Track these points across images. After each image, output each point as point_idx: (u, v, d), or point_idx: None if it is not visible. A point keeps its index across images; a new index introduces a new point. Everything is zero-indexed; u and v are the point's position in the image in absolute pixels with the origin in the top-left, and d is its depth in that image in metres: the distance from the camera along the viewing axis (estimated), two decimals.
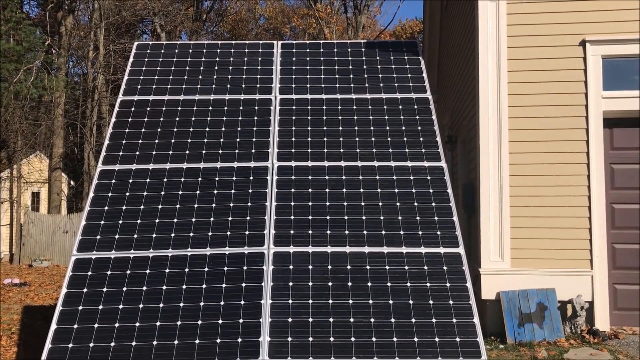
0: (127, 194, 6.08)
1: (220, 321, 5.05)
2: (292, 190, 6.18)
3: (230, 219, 5.89)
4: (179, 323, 5.05)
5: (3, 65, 19.81)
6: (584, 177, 6.69)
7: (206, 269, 5.45)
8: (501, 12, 6.92)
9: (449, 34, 10.83)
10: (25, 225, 20.43)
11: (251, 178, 6.28)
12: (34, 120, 25.56)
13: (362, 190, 6.19)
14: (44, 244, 20.31)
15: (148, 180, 6.21)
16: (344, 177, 6.30)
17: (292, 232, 5.80)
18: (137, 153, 6.47)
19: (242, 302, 5.19)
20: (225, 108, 6.98)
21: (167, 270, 5.45)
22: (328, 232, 5.82)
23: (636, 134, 6.86)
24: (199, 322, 5.05)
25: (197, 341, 4.92)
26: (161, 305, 5.19)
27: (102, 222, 5.84)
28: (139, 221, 5.84)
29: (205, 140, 6.62)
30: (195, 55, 7.69)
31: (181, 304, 5.19)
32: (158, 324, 5.05)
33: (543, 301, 6.38)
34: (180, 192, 6.10)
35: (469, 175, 8.24)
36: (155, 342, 4.92)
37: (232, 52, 7.76)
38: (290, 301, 5.24)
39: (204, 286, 5.32)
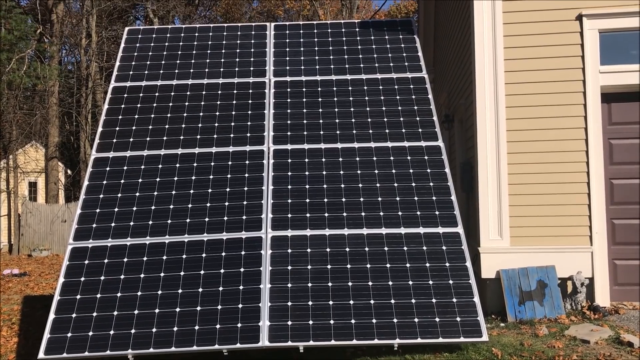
0: (122, 181, 6.03)
1: (219, 307, 5.03)
2: (289, 173, 6.13)
3: (227, 204, 5.84)
4: (177, 310, 5.02)
5: None
6: (583, 153, 6.64)
7: (204, 255, 5.42)
8: None
9: (444, 11, 10.70)
10: (23, 216, 20.38)
11: (247, 162, 6.22)
12: (28, 110, 25.39)
13: (359, 171, 6.14)
14: (42, 233, 20.28)
15: (143, 167, 6.15)
16: (340, 159, 6.25)
17: (289, 215, 5.76)
18: (131, 140, 6.40)
19: (241, 287, 5.17)
20: (219, 92, 6.90)
21: (164, 257, 5.41)
22: (326, 214, 5.78)
23: (634, 108, 6.79)
24: (198, 308, 5.03)
25: (196, 327, 4.90)
26: (159, 292, 5.16)
27: (98, 210, 5.79)
28: (134, 208, 5.79)
29: (200, 125, 6.55)
30: (187, 39, 7.59)
31: (180, 291, 5.16)
32: (157, 311, 5.03)
33: (543, 279, 6.36)
34: (175, 178, 6.05)
35: (467, 153, 8.19)
36: (154, 330, 4.90)
37: (225, 35, 7.66)
38: (289, 285, 5.21)
39: (202, 272, 5.29)
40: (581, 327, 5.76)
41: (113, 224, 5.67)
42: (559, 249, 6.54)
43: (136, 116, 6.63)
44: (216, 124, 6.56)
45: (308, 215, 5.77)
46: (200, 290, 5.16)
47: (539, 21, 6.79)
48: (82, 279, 5.28)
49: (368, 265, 5.38)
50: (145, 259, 5.40)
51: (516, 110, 6.75)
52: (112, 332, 4.90)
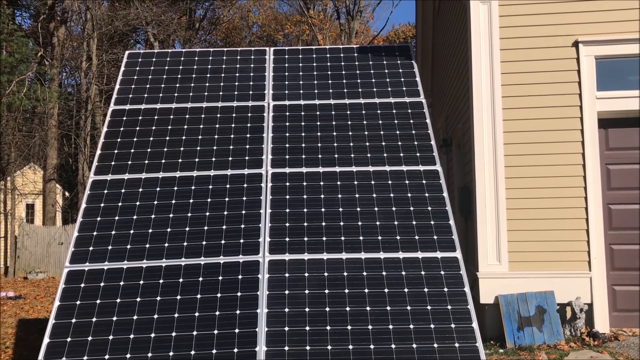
0: (120, 204, 6.01)
1: (215, 331, 4.98)
2: (287, 196, 6.12)
3: (224, 227, 5.82)
4: (174, 334, 4.97)
5: None
6: (580, 178, 6.65)
7: (200, 279, 5.38)
8: (493, 14, 6.90)
9: (441, 37, 10.81)
10: (20, 238, 20.29)
11: (245, 185, 6.22)
12: (27, 132, 25.44)
13: (357, 195, 6.13)
14: (39, 255, 20.16)
15: (140, 189, 6.14)
16: (338, 183, 6.25)
17: (287, 239, 5.74)
18: (130, 162, 6.40)
19: (238, 312, 5.12)
20: (218, 115, 6.93)
21: (161, 281, 5.37)
22: (324, 238, 5.75)
23: (631, 134, 6.83)
24: (194, 332, 4.98)
25: (192, 352, 4.84)
26: (155, 316, 5.11)
27: (95, 233, 5.76)
28: (132, 231, 5.77)
29: (198, 148, 6.56)
30: (187, 63, 7.64)
31: (176, 315, 5.11)
32: (153, 335, 4.97)
33: (542, 304, 6.32)
34: (173, 201, 6.04)
35: (465, 178, 8.20)
36: (150, 354, 4.84)
37: (224, 59, 7.71)
38: (286, 310, 5.17)
39: (198, 296, 5.25)
40: (581, 353, 5.71)
41: (110, 247, 5.64)
42: (558, 274, 6.52)
43: (135, 139, 6.64)
44: (215, 147, 6.57)
45: (306, 239, 5.75)
46: (197, 314, 5.11)
47: (535, 47, 6.86)
48: (78, 302, 5.24)
49: (366, 290, 5.34)
50: (141, 282, 5.36)
51: (514, 135, 6.78)
52: (107, 356, 4.84)
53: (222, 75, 7.46)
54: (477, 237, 6.72)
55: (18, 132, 23.28)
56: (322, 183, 6.25)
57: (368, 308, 5.20)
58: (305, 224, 5.87)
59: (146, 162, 6.41)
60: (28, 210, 24.89)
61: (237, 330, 4.98)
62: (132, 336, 4.97)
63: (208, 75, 7.46)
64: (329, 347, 4.90)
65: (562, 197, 6.63)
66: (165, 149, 6.54)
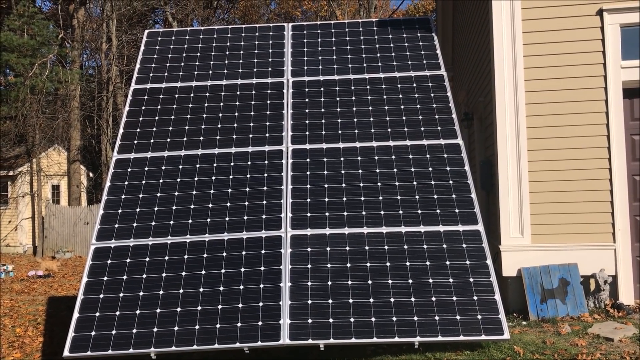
0: (144, 182, 6.10)
1: (240, 305, 5.06)
2: (308, 172, 6.15)
3: (246, 203, 5.88)
4: (199, 308, 5.07)
5: (18, 60, 19.96)
6: (604, 149, 6.56)
7: (224, 254, 5.46)
8: None
9: (462, 10, 10.65)
10: (46, 218, 20.69)
11: (266, 162, 6.26)
12: (50, 114, 25.77)
13: (378, 170, 6.14)
14: (65, 235, 20.57)
15: (163, 167, 6.22)
16: (359, 158, 6.25)
17: (308, 214, 5.78)
18: (152, 141, 6.48)
19: (262, 286, 5.20)
20: (238, 93, 6.95)
21: (185, 256, 5.47)
22: (345, 213, 5.78)
23: None
24: (219, 306, 5.07)
25: (217, 325, 4.94)
26: (181, 291, 5.21)
27: (120, 211, 5.86)
28: (156, 209, 5.86)
29: (219, 125, 6.60)
30: (206, 41, 7.65)
31: (201, 289, 5.21)
32: (179, 309, 5.08)
33: (565, 276, 6.30)
34: (196, 179, 6.11)
35: (486, 152, 8.14)
36: (176, 328, 4.95)
37: (243, 36, 7.71)
38: (309, 283, 5.23)
39: (222, 271, 5.33)
40: (604, 325, 5.69)
41: (135, 224, 5.74)
42: (582, 247, 6.47)
43: (156, 118, 6.70)
44: (235, 125, 6.60)
45: (327, 214, 5.78)
46: (222, 289, 5.20)
47: (558, 17, 6.73)
48: (105, 278, 5.36)
49: (388, 264, 5.37)
50: (166, 258, 5.46)
51: (536, 107, 6.70)
52: (134, 330, 4.96)
53: (241, 52, 7.47)
54: (499, 211, 6.69)
55: (42, 114, 23.58)
56: (342, 159, 6.26)
57: (390, 281, 5.24)
58: (327, 199, 5.90)
59: (168, 140, 6.47)
60: (54, 191, 25.31)
61: (261, 304, 5.06)
62: (158, 310, 5.08)
63: (227, 52, 7.47)
64: (352, 320, 4.96)
65: (586, 168, 6.54)
66: (187, 127, 6.59)
